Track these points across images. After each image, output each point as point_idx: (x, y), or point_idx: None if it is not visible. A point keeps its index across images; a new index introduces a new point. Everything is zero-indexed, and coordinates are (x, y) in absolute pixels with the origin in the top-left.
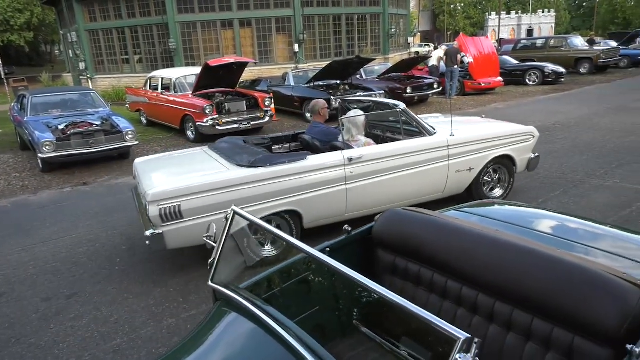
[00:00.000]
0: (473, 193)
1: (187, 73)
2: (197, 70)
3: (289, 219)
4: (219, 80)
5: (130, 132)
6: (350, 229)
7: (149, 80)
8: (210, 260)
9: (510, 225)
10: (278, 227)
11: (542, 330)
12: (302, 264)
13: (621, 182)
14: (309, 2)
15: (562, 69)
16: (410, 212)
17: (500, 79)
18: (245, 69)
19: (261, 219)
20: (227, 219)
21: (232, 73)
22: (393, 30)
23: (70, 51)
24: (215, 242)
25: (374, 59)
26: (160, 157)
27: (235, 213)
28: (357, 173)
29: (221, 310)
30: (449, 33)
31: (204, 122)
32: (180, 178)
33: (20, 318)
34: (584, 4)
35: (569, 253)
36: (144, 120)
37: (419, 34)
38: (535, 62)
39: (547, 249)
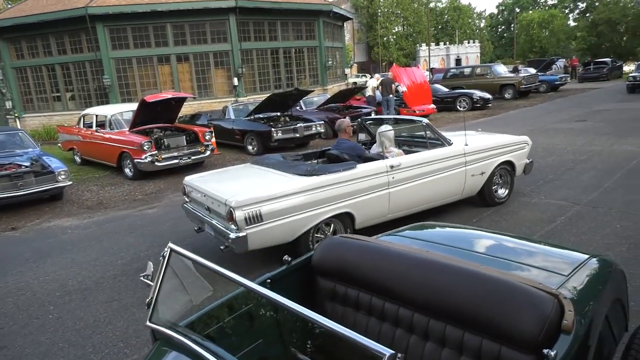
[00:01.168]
0: (485, 194)
1: (123, 109)
2: (134, 106)
3: (344, 221)
4: (156, 116)
5: (62, 172)
6: (290, 259)
7: (82, 118)
8: (147, 300)
9: (441, 245)
10: (335, 232)
11: (473, 343)
12: (243, 297)
13: (546, 199)
14: (246, 37)
15: (488, 95)
16: (347, 239)
17: (433, 106)
18: (184, 103)
19: (323, 221)
20: (163, 257)
21: (171, 108)
22: (330, 62)
23: None
24: (152, 281)
25: (313, 90)
26: (212, 173)
27: (172, 250)
28: (397, 178)
29: (160, 350)
30: (383, 64)
31: (142, 159)
32: (254, 187)
33: None
34: (505, 35)
35: (490, 268)
36: (77, 159)
37: (355, 65)
38: (464, 89)
39: (471, 266)
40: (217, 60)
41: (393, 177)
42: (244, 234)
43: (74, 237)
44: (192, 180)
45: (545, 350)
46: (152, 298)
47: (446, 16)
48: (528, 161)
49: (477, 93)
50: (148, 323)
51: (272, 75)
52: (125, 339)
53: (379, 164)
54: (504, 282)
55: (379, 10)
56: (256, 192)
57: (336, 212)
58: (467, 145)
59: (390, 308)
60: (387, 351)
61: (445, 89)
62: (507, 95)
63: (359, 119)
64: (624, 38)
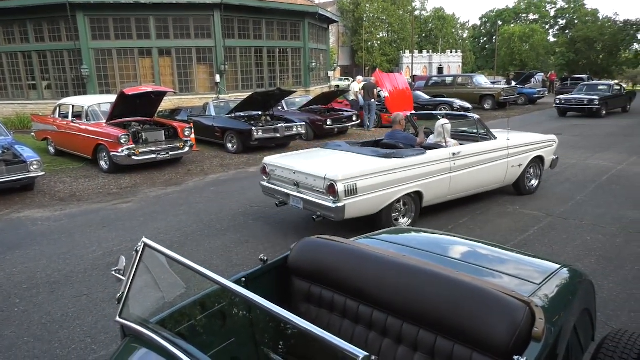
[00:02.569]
0: (520, 184)
1: (101, 101)
2: (112, 98)
3: (415, 198)
4: (135, 109)
5: (35, 162)
6: (266, 258)
7: (58, 108)
8: (118, 295)
9: (417, 250)
10: (405, 209)
11: (445, 347)
12: (216, 296)
13: (520, 209)
14: (230, 34)
15: (468, 105)
16: (324, 240)
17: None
18: (165, 98)
19: (401, 197)
20: (136, 252)
21: (150, 102)
22: (313, 64)
23: None
24: (124, 276)
25: (295, 91)
26: (289, 155)
27: (146, 245)
28: (457, 165)
29: (130, 347)
30: (367, 68)
31: (118, 152)
32: (347, 165)
33: None
34: (486, 47)
35: (465, 274)
36: (51, 149)
37: (338, 68)
38: (445, 97)
39: (446, 271)
40: (200, 56)
41: (454, 164)
42: (342, 204)
43: (44, 229)
44: (275, 160)
45: (515, 357)
46: (123, 293)
47: (430, 25)
48: (555, 157)
49: (458, 102)
50: (118, 318)
51: (255, 74)
52: (94, 334)
53: (443, 151)
54: (477, 289)
55: (365, 15)
56: (353, 169)
57: (410, 190)
58: (509, 140)
59: (364, 311)
60: (361, 353)
61: (427, 97)
62: (486, 106)
63: (408, 114)
64: (601, 56)
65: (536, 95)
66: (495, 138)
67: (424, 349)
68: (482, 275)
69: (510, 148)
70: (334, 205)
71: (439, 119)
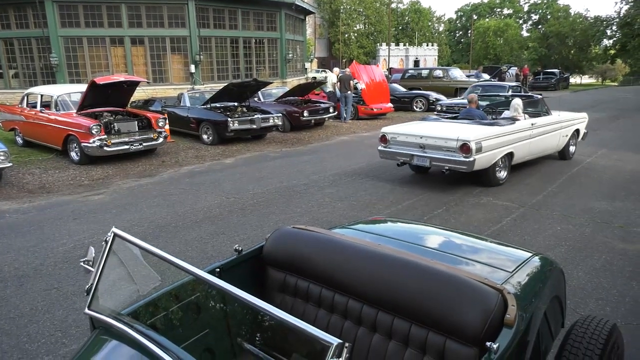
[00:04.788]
0: (564, 150)
1: (71, 90)
2: (83, 87)
3: (509, 158)
4: (107, 99)
5: (2, 153)
6: (240, 248)
7: (26, 97)
8: (87, 286)
9: (392, 240)
10: (502, 166)
11: (419, 335)
12: (190, 286)
13: (494, 200)
14: (205, 24)
15: (444, 97)
16: (298, 230)
17: (390, 105)
18: (138, 88)
19: (501, 157)
20: (106, 242)
21: (123, 92)
22: (290, 55)
23: None
24: (93, 267)
25: (272, 82)
26: (405, 125)
27: (115, 235)
28: (534, 133)
29: (99, 339)
30: (344, 60)
31: (89, 143)
32: (467, 130)
33: None
34: (462, 40)
35: (439, 262)
36: (19, 140)
37: (315, 59)
38: (421, 90)
39: (420, 260)
40: (174, 46)
41: (532, 132)
42: (473, 158)
43: (12, 222)
44: (396, 129)
45: (488, 343)
46: (92, 284)
47: (407, 18)
48: (586, 131)
49: (434, 95)
50: (87, 310)
51: (231, 64)
52: (64, 328)
53: (526, 122)
54: (450, 276)
55: (342, 7)
56: (477, 132)
57: (507, 151)
58: (559, 115)
59: (339, 300)
60: (335, 340)
61: (403, 89)
62: None
63: (477, 95)
64: (572, 51)
65: None
66: (551, 114)
67: (398, 336)
68: (456, 263)
69: (562, 122)
70: (466, 160)
71: (510, 99)
